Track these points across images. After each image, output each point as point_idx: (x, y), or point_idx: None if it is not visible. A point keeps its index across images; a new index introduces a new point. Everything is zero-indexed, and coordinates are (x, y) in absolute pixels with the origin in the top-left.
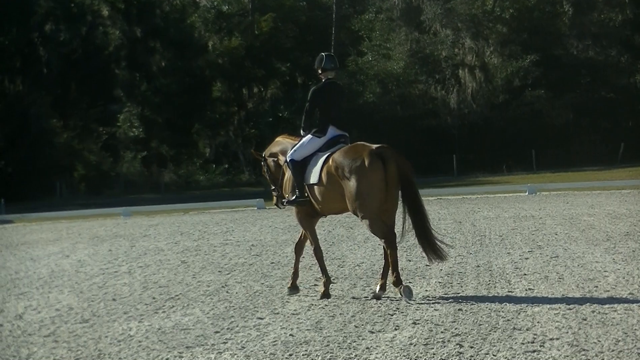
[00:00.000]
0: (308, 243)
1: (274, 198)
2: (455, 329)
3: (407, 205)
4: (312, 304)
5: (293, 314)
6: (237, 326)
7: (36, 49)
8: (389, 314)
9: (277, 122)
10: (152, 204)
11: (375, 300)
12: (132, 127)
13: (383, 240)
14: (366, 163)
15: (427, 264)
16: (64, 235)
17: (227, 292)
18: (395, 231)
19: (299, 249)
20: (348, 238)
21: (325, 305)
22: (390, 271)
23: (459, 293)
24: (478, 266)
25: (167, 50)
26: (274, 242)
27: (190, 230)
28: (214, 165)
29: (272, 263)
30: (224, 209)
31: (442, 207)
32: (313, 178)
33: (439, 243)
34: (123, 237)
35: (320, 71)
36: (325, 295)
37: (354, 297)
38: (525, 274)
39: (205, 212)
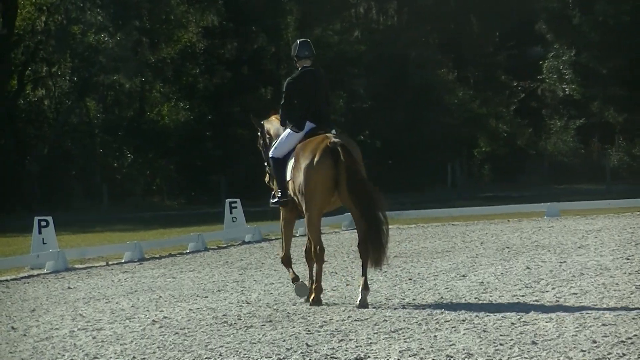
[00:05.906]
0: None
1: (267, 175)
2: None
3: (361, 204)
4: None
5: None
6: None
7: None
8: None
9: None
10: (592, 199)
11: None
12: (561, 81)
13: (315, 248)
14: (315, 161)
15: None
16: (457, 244)
17: None
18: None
19: (309, 257)
20: None
21: None
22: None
23: None
24: None
25: None
26: None
27: None
28: None
29: None
30: None
31: None
32: (289, 174)
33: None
34: (548, 247)
35: (295, 59)
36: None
37: None
38: None
39: None
